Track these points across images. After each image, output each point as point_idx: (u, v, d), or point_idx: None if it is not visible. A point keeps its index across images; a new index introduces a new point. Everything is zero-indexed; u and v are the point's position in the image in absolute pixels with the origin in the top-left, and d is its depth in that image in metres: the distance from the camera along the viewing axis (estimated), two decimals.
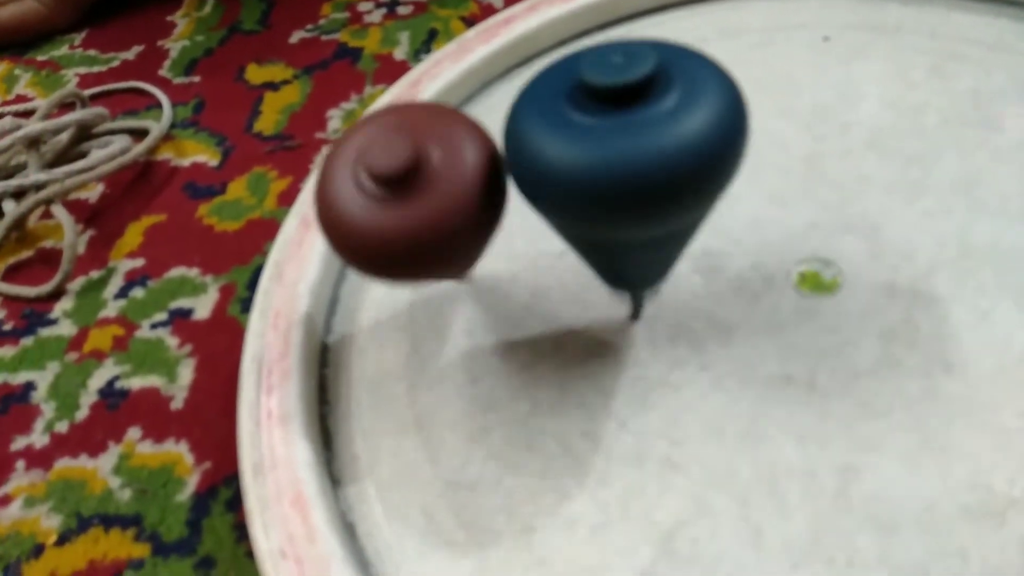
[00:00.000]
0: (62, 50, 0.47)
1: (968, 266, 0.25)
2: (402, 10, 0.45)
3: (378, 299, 0.28)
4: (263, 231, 0.32)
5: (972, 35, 0.32)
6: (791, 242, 0.27)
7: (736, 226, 0.28)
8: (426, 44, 0.42)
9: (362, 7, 0.46)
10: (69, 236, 0.34)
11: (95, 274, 0.34)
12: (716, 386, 0.24)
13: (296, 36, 0.45)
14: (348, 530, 0.22)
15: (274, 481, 0.22)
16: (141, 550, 0.25)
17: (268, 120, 0.39)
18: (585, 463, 0.23)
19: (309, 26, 0.45)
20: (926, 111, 0.30)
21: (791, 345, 0.25)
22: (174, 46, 0.46)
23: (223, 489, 0.26)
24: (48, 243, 0.36)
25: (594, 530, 0.22)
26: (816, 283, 0.26)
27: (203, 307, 0.32)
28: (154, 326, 0.31)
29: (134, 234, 0.35)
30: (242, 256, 0.33)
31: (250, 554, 0.23)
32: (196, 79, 0.43)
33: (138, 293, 0.33)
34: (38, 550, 0.25)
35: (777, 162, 0.30)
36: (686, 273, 0.27)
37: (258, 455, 0.23)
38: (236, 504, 0.25)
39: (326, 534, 0.21)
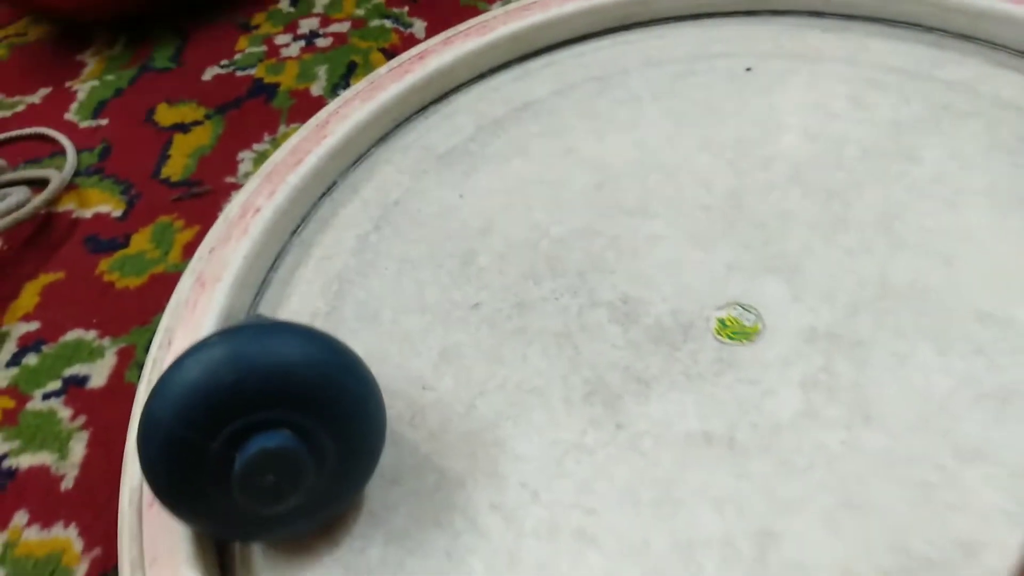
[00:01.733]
0: None
1: (887, 307, 0.24)
2: (321, 42, 0.43)
3: None
4: (166, 287, 0.30)
5: (890, 62, 0.32)
6: (711, 286, 0.26)
7: (655, 270, 0.27)
8: (344, 78, 0.41)
9: (279, 40, 0.44)
10: None
11: None
12: (632, 448, 0.23)
13: (210, 73, 0.43)
14: None
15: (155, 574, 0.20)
16: None
17: (176, 165, 0.38)
18: (494, 540, 0.21)
19: (224, 62, 0.43)
20: (847, 143, 0.29)
21: (710, 398, 0.23)
22: (82, 87, 0.44)
23: None
24: None
25: None
26: (736, 330, 0.25)
27: (99, 374, 0.30)
28: (46, 396, 0.29)
29: (30, 294, 0.33)
30: (143, 315, 0.31)
31: None
32: (104, 122, 0.41)
33: (31, 360, 0.31)
34: None
35: (699, 200, 0.29)
36: (603, 323, 0.26)
37: (138, 549, 0.21)
38: None
39: None
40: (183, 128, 0.40)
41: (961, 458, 0.21)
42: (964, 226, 0.26)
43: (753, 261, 0.26)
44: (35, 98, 0.44)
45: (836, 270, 0.26)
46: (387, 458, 0.23)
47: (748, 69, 0.33)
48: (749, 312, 0.25)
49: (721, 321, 0.25)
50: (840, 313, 0.25)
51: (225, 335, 0.20)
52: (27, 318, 0.32)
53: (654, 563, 0.20)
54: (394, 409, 0.24)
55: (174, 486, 0.19)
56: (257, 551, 0.22)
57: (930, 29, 0.33)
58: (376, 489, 0.23)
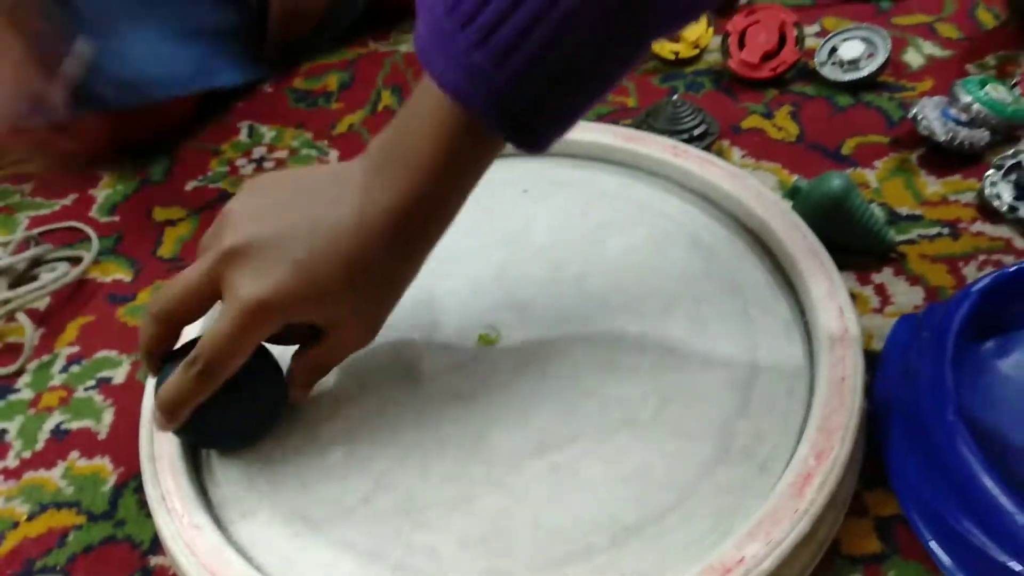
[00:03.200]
0: (15, 198, 0.64)
1: (567, 326, 0.45)
2: (267, 165, 0.64)
3: None
4: None
5: (606, 188, 0.53)
6: (479, 316, 0.46)
7: (452, 305, 0.47)
8: None
9: (239, 162, 0.65)
10: (28, 334, 0.51)
11: (46, 358, 0.50)
12: (424, 401, 0.42)
13: (190, 185, 0.63)
14: (203, 489, 0.39)
15: (160, 463, 0.39)
16: (80, 520, 0.41)
17: (167, 248, 0.57)
18: (322, 435, 0.41)
19: (200, 177, 0.63)
20: (572, 235, 0.50)
21: (468, 375, 0.43)
22: (101, 194, 0.63)
23: (131, 482, 0.43)
24: (12, 339, 0.52)
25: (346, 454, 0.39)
26: (487, 340, 0.45)
27: (120, 376, 0.48)
28: (87, 389, 0.48)
29: (72, 330, 0.52)
30: None
31: (148, 516, 0.39)
32: (116, 218, 0.61)
33: (75, 368, 0.49)
34: (15, 525, 0.41)
35: (482, 268, 0.49)
36: (416, 337, 0.45)
37: (151, 449, 0.40)
38: (139, 490, 0.41)
39: (188, 491, 0.38)
40: (172, 223, 0.59)
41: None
42: (622, 284, 0.47)
43: (503, 303, 0.47)
44: (67, 201, 0.63)
45: (546, 307, 0.46)
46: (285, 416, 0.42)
47: (525, 190, 0.54)
48: (495, 331, 0.45)
49: (480, 335, 0.45)
50: (543, 331, 0.45)
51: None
52: (71, 344, 0.51)
53: (400, 449, 0.40)
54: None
55: None
56: (215, 455, 0.41)
57: (635, 167, 0.54)
58: (279, 425, 0.42)
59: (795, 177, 0.54)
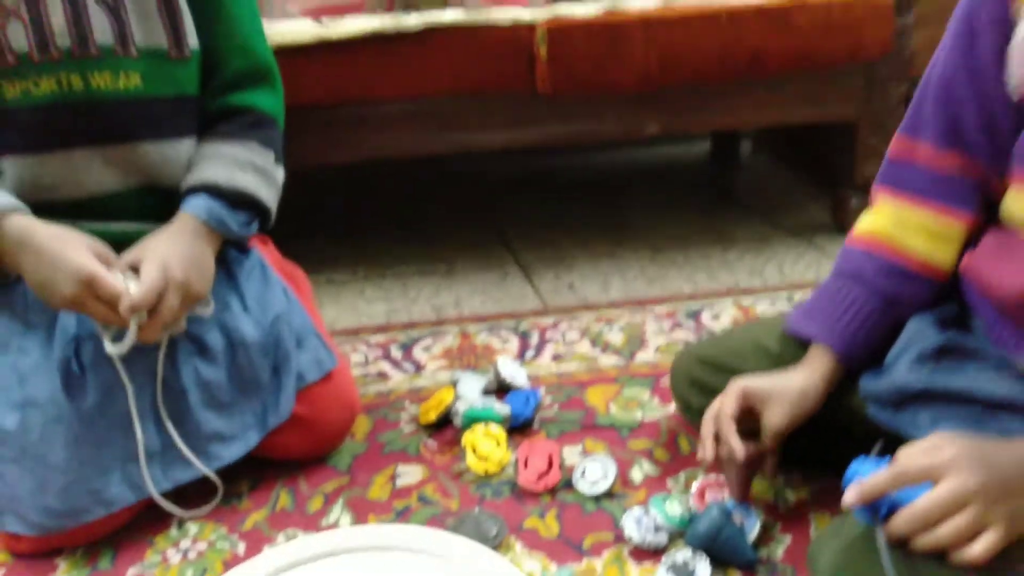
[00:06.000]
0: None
1: None
2: (191, 555, 0.88)
3: None
4: None
5: (431, 573, 0.80)
6: None
7: None
8: None
9: (169, 552, 0.88)
10: None
11: None
12: None
13: (131, 572, 0.85)
14: None
15: None
16: None
17: None
18: None
19: (138, 564, 0.86)
20: None
21: None
22: None
23: None
24: None
25: None
26: None
27: None
28: None
29: None
30: None
31: None
32: None
33: None
34: None
35: None
36: None
37: None
38: None
39: None
40: None
41: None
42: None
43: None
44: None
45: None
46: None
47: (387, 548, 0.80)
48: None
49: None
50: None
51: None
52: None
53: None
54: None
55: None
56: None
57: (448, 559, 0.82)
58: None
59: (552, 564, 0.84)
